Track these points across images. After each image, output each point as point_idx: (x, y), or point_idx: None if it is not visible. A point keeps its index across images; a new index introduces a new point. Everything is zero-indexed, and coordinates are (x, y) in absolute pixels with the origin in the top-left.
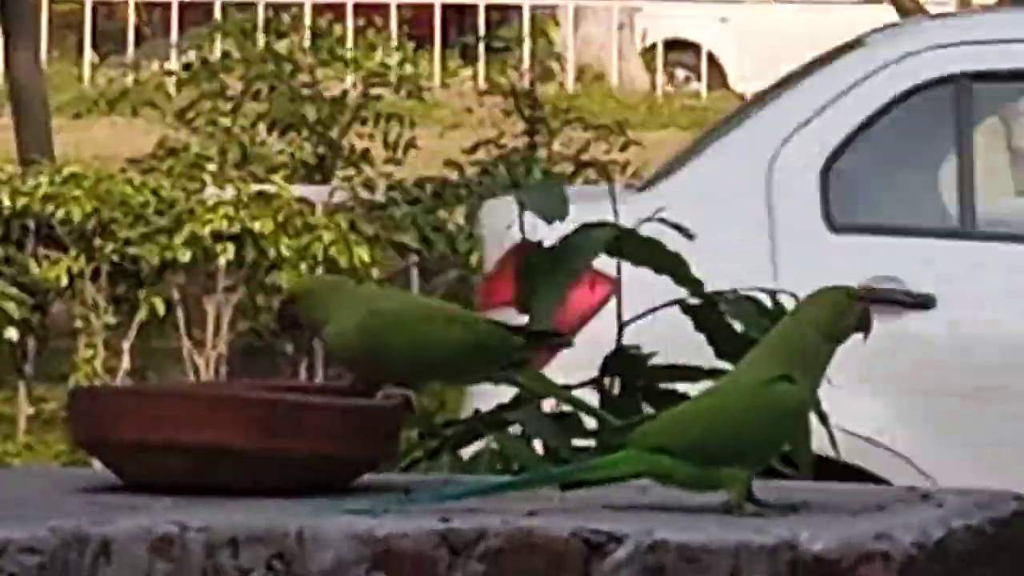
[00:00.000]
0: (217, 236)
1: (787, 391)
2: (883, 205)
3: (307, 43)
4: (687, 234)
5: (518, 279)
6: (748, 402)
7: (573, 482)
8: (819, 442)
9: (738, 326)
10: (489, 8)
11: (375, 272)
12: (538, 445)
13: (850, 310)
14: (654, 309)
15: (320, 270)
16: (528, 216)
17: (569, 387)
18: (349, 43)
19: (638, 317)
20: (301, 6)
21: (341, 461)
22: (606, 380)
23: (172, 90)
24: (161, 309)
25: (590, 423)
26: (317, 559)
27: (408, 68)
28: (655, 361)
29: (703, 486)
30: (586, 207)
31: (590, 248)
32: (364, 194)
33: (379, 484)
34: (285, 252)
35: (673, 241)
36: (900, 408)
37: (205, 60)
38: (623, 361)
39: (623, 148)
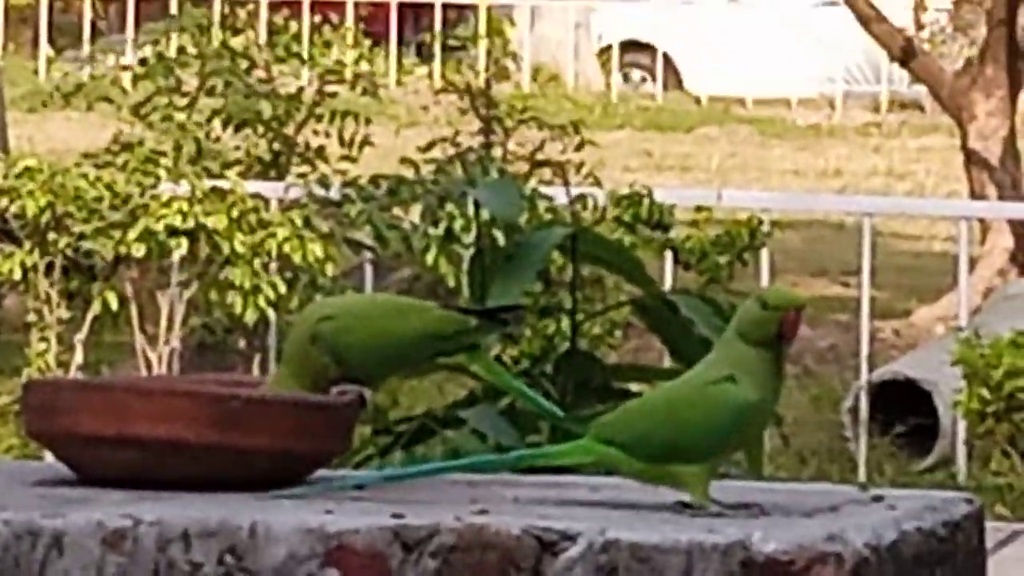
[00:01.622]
0: (171, 231)
1: (727, 390)
2: None
3: (263, 39)
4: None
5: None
6: (690, 400)
7: (523, 468)
8: None
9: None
10: (445, 7)
11: (329, 269)
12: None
13: (768, 319)
14: (607, 309)
15: (273, 267)
16: None
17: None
18: (305, 40)
19: (592, 315)
20: (257, 2)
21: (294, 456)
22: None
23: (127, 85)
24: (114, 304)
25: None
26: (269, 554)
27: (364, 65)
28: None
29: (657, 481)
30: None
31: (545, 248)
32: (319, 191)
33: (331, 479)
34: (239, 248)
35: None
36: None
37: (161, 55)
38: (578, 360)
39: (578, 148)
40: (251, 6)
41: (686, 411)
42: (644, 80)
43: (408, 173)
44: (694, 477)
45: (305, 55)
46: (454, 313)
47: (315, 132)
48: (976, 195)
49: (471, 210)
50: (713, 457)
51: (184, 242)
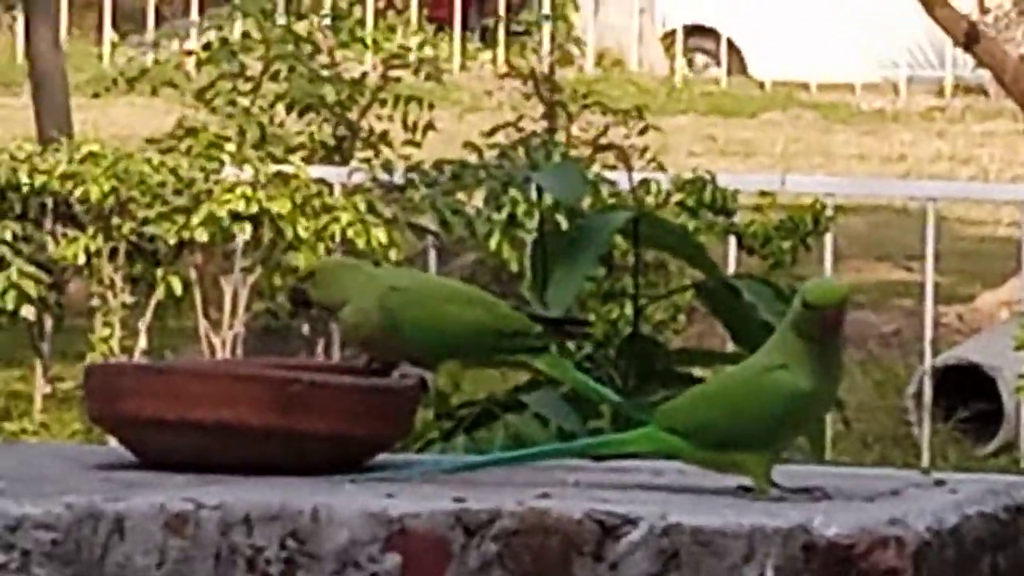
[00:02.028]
0: (235, 216)
1: (779, 378)
2: None
3: (327, 24)
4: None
5: (535, 264)
6: (745, 388)
7: (588, 455)
8: None
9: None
10: None
11: (393, 254)
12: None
13: (809, 317)
14: (669, 293)
15: (338, 252)
16: None
17: (587, 373)
18: (369, 25)
19: (655, 299)
20: None
21: (356, 440)
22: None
23: (191, 70)
24: (178, 289)
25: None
26: (331, 538)
27: (428, 50)
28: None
29: (720, 468)
30: None
31: (607, 232)
32: (382, 176)
33: (394, 464)
34: (302, 233)
35: None
36: None
37: (225, 40)
38: (641, 345)
39: (642, 133)
40: None
41: (741, 399)
42: (708, 65)
43: (471, 158)
44: (755, 464)
45: (369, 40)
46: (520, 314)
47: (378, 117)
48: None
49: (534, 195)
50: (771, 444)
51: (248, 227)
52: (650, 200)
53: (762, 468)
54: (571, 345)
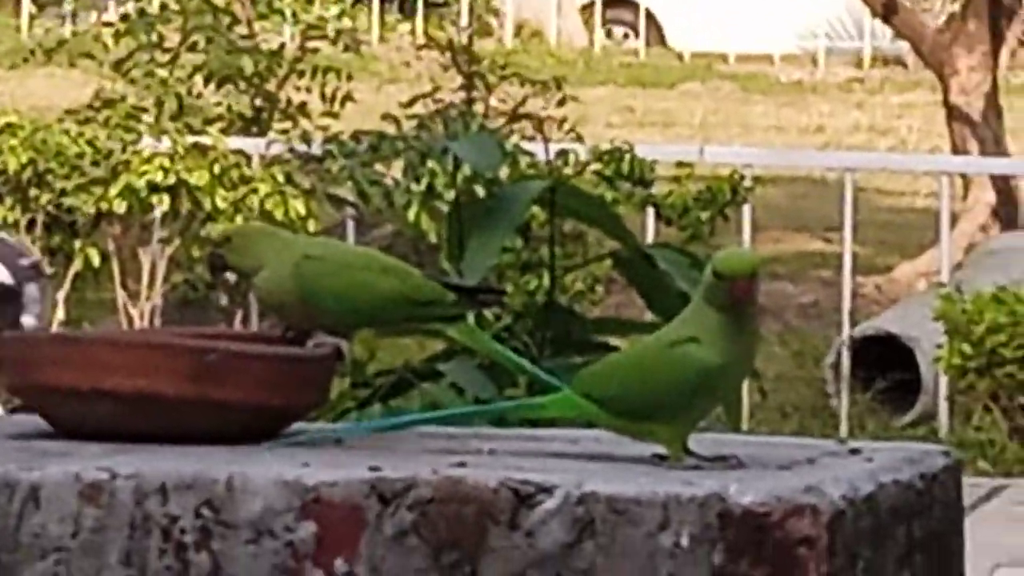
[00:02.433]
0: (152, 187)
1: (688, 351)
2: None
3: None
4: None
5: (451, 234)
6: (655, 359)
7: (506, 419)
8: None
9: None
10: None
11: (311, 225)
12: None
13: (719, 287)
14: (586, 262)
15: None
16: None
17: (504, 343)
18: None
19: (572, 269)
20: None
21: (272, 409)
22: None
23: (109, 41)
24: (96, 260)
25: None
26: (246, 507)
27: (346, 21)
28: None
29: (635, 436)
30: None
31: (523, 202)
32: (300, 147)
33: (310, 433)
34: (221, 204)
35: None
36: None
37: (142, 11)
38: (558, 315)
39: (560, 104)
40: None
41: (652, 370)
42: (627, 36)
43: (390, 129)
44: (668, 433)
45: (287, 11)
46: (435, 284)
47: (297, 88)
48: (958, 150)
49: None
50: (683, 415)
51: (166, 198)
52: (568, 170)
53: (676, 438)
54: (489, 316)
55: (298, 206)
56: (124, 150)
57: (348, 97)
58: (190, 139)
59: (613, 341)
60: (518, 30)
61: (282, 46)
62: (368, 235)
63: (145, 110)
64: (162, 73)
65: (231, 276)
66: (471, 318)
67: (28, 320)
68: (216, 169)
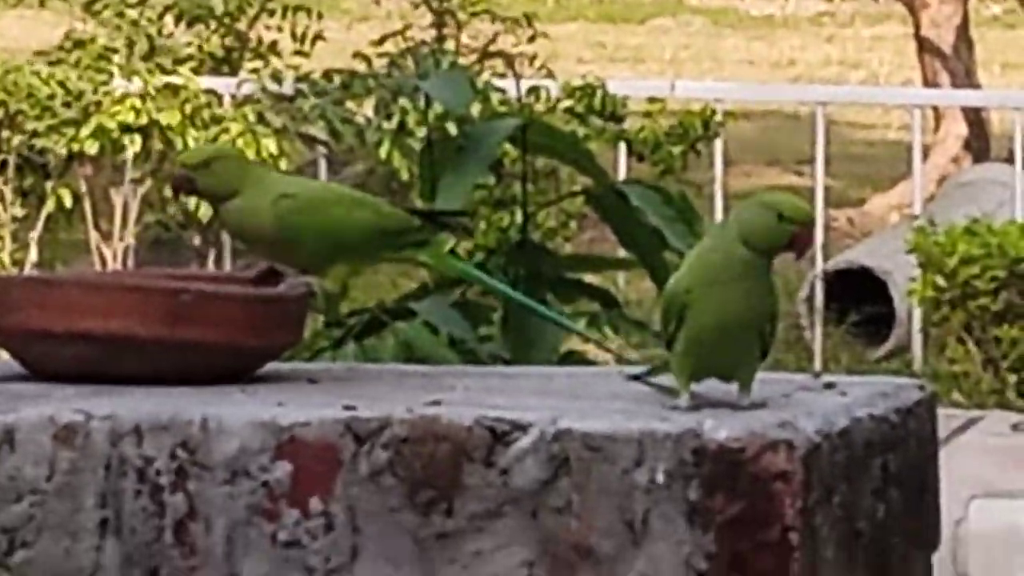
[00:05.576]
0: (124, 128)
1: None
2: None
3: None
4: None
5: (423, 172)
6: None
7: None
8: None
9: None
10: None
11: (283, 164)
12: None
13: (781, 231)
14: (560, 199)
15: None
16: None
17: (479, 267)
18: None
19: (545, 206)
20: None
21: (246, 350)
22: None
23: None
24: (68, 201)
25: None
26: (221, 448)
27: None
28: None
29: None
30: None
31: (495, 139)
32: (272, 86)
33: (284, 373)
34: (192, 144)
35: None
36: None
37: None
38: (530, 252)
39: (531, 40)
40: None
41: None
42: None
43: (361, 68)
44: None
45: None
46: (401, 211)
47: (267, 27)
48: (929, 83)
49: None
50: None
51: (137, 139)
52: (539, 107)
53: (685, 371)
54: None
55: (270, 145)
56: (95, 91)
57: (319, 36)
58: (161, 79)
59: (587, 278)
60: None
61: None
62: (340, 173)
63: (116, 51)
64: (132, 13)
65: (190, 201)
66: (445, 248)
67: None
68: (188, 109)
